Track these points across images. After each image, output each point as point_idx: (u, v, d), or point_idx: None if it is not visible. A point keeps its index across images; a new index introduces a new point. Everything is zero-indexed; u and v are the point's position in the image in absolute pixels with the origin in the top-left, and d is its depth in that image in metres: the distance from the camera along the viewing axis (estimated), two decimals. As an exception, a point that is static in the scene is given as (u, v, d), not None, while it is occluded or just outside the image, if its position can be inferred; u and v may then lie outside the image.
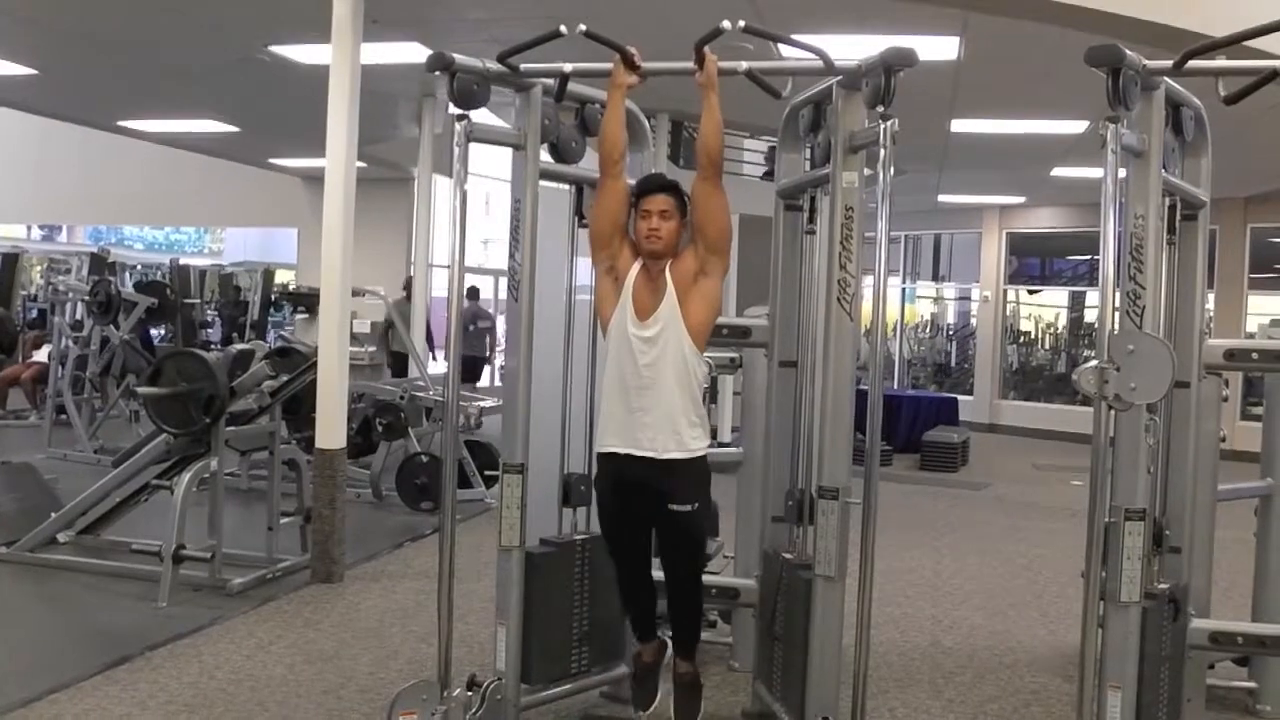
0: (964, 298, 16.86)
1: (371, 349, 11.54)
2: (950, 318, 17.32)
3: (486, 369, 13.40)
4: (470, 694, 3.50)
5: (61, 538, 5.75)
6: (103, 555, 5.63)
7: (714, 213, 3.32)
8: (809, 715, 3.41)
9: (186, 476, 5.23)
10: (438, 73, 3.41)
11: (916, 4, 5.56)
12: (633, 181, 3.51)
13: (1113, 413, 2.99)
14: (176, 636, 4.58)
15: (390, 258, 13.30)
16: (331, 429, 5.59)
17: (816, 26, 5.63)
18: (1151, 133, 3.22)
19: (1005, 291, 15.16)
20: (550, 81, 3.57)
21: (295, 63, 7.74)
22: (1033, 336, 15.65)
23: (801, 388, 3.93)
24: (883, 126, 3.08)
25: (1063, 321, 15.49)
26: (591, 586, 3.83)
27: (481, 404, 7.85)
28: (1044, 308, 15.68)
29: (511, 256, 3.62)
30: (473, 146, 3.41)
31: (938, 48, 6.48)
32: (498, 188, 8.02)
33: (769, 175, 5.73)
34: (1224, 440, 3.99)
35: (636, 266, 3.35)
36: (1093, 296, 13.51)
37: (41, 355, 10.54)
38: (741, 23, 3.22)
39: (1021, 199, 13.92)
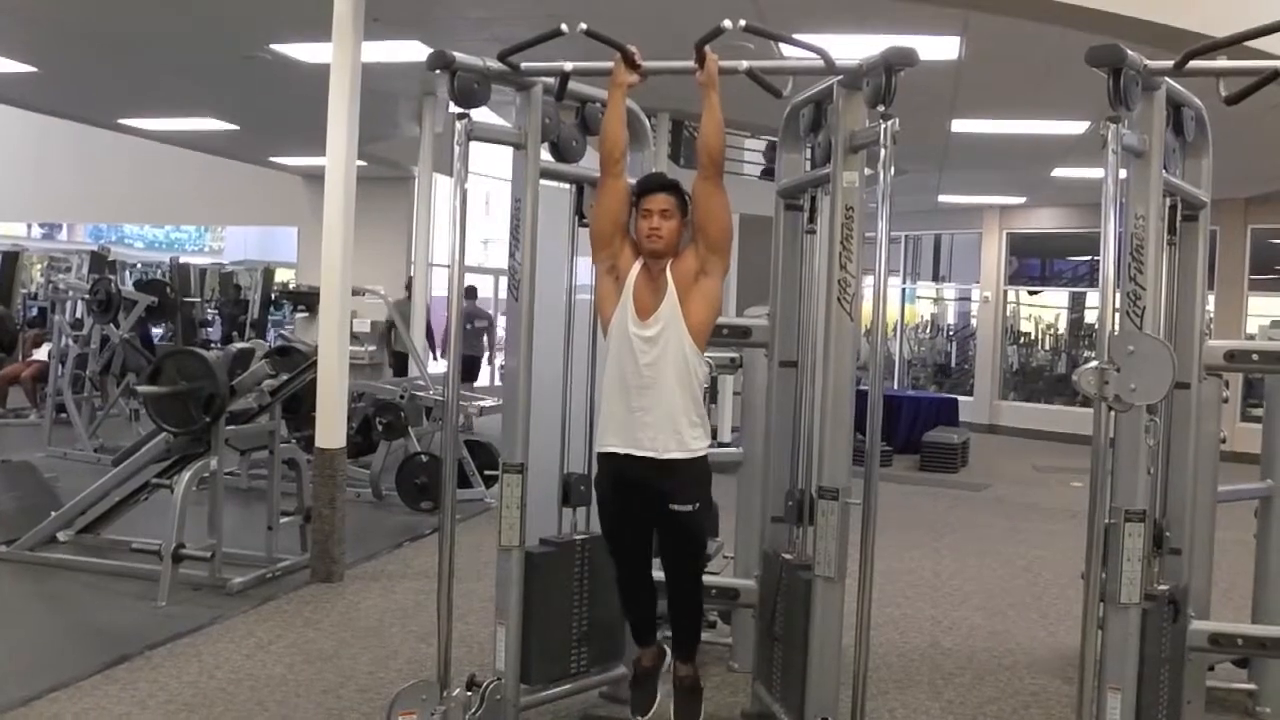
0: (964, 298, 16.84)
1: (372, 348, 11.53)
2: (950, 318, 17.31)
3: (485, 369, 13.39)
4: (470, 694, 3.50)
5: (61, 536, 5.75)
6: (102, 554, 5.63)
7: (715, 212, 3.32)
8: (808, 716, 3.40)
9: (186, 475, 5.24)
10: (438, 71, 3.40)
11: (917, 4, 5.56)
12: (633, 181, 3.50)
13: (1113, 414, 2.99)
14: (176, 636, 4.58)
15: (390, 257, 13.29)
16: (331, 428, 5.59)
17: (817, 26, 5.62)
18: (1152, 133, 3.22)
19: (1005, 292, 15.14)
20: (551, 80, 3.56)
21: (296, 61, 7.74)
22: (1033, 337, 15.63)
23: (802, 388, 3.92)
24: (883, 126, 3.08)
25: (1063, 322, 15.47)
26: (591, 587, 3.83)
27: (482, 403, 7.85)
28: (1044, 308, 15.66)
29: (512, 256, 3.62)
30: (473, 145, 3.40)
31: (938, 47, 6.47)
32: (498, 187, 8.00)
33: (768, 173, 5.72)
34: (1224, 441, 3.98)
35: (637, 266, 3.34)
36: (1093, 297, 13.49)
37: (41, 354, 10.54)
38: (742, 22, 3.22)
39: (1022, 199, 13.90)
